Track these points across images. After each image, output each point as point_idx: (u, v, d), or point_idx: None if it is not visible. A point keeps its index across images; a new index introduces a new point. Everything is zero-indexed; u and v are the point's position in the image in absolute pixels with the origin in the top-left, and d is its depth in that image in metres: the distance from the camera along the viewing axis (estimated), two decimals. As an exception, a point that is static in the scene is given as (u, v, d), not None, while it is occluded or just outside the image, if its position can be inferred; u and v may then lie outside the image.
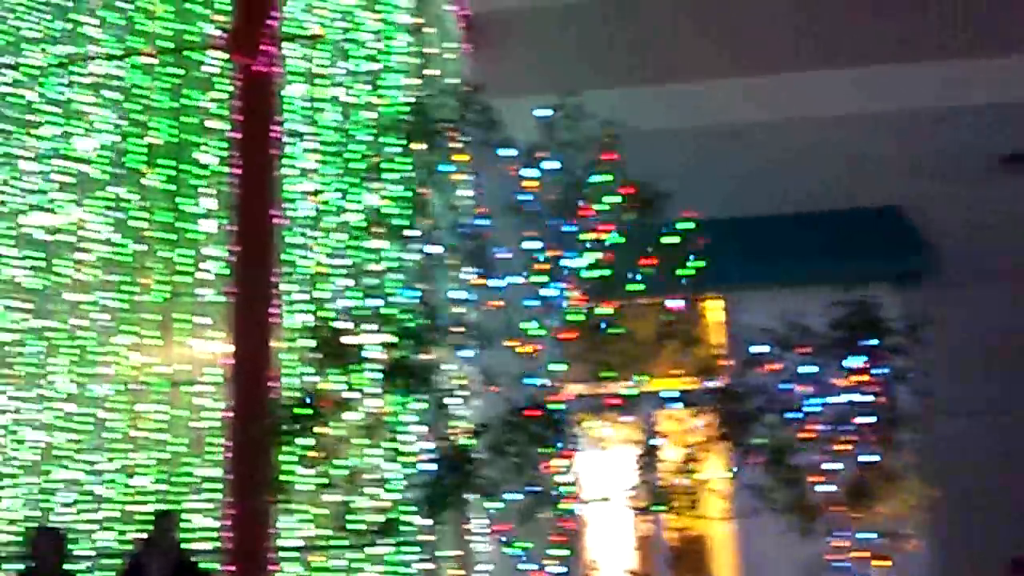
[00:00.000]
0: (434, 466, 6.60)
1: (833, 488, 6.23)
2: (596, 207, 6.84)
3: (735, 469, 6.58)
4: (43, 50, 9.59)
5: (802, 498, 6.20)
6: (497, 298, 6.95)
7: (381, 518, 7.03)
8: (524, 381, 6.70)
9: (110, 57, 9.48)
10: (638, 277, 6.71)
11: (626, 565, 9.85)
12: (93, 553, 8.42)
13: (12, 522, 8.61)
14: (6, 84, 9.56)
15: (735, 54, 11.17)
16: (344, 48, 9.16)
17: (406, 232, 7.31)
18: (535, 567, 6.47)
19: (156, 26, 9.48)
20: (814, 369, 6.38)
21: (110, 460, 8.68)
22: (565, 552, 6.47)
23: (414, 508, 6.75)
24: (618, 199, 6.76)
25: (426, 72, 9.15)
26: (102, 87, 9.44)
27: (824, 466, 6.28)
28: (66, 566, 6.98)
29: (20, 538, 8.28)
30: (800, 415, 6.36)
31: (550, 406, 6.57)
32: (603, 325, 6.74)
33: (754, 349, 6.48)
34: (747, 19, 11.35)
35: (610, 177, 6.85)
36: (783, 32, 11.32)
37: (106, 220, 9.18)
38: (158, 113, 9.32)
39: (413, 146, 7.65)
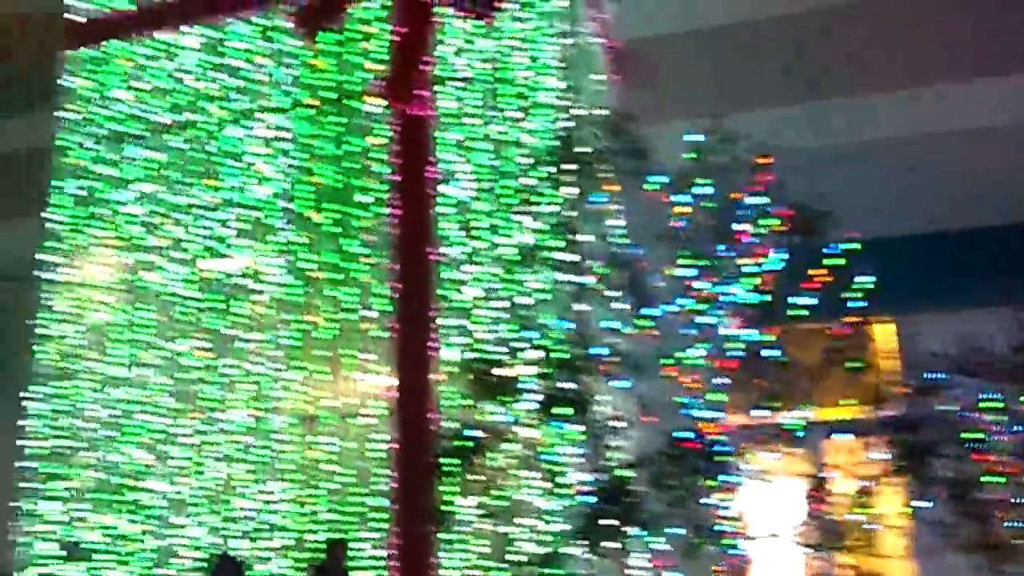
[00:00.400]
0: (592, 498, 6.56)
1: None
2: (753, 231, 6.68)
3: (914, 504, 6.19)
4: (219, 106, 10.34)
5: (989, 535, 5.76)
6: (651, 327, 6.88)
7: (541, 550, 7.03)
8: (683, 411, 6.58)
9: (278, 110, 10.12)
10: (801, 302, 6.48)
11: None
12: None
13: (197, 548, 9.17)
14: (188, 140, 10.36)
15: (889, 66, 10.70)
16: (494, 87, 9.39)
17: (558, 263, 7.38)
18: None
19: (319, 78, 10.05)
20: (997, 396, 5.95)
21: (284, 491, 9.12)
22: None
23: (574, 540, 6.72)
24: (776, 221, 6.57)
25: (574, 105, 9.24)
26: (272, 138, 10.08)
27: (1013, 500, 5.82)
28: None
29: (203, 565, 8.82)
30: (983, 446, 5.93)
31: (711, 437, 6.41)
32: (765, 352, 6.53)
33: (929, 375, 6.12)
34: (902, 30, 10.85)
35: (766, 199, 6.68)
36: (941, 41, 10.75)
37: (278, 262, 9.73)
38: (323, 160, 9.84)
39: (563, 178, 7.76)
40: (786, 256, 6.54)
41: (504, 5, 9.41)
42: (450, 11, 9.57)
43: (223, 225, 10.03)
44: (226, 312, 9.77)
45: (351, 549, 8.44)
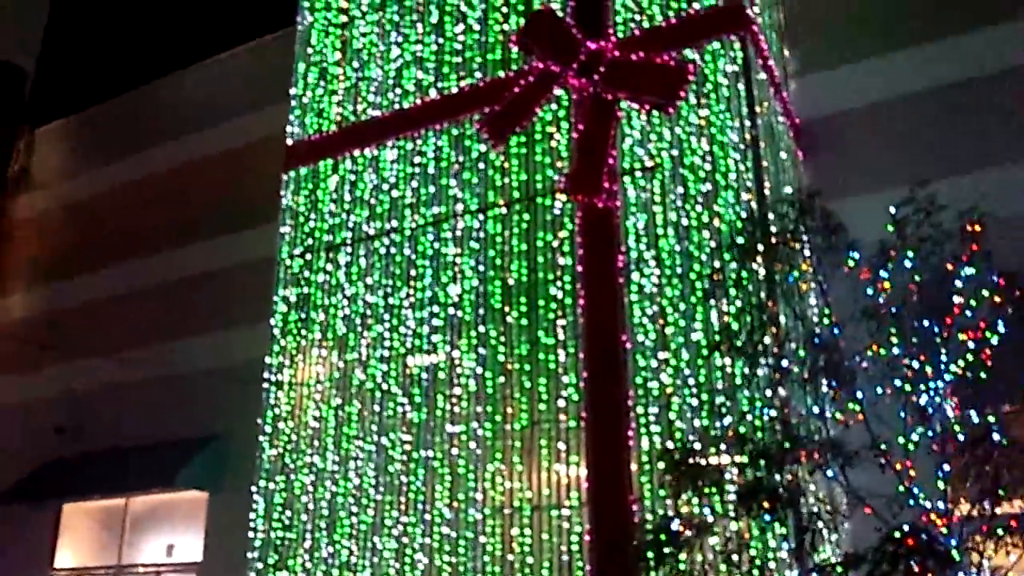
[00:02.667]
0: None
1: None
2: (967, 304, 6.21)
3: None
4: (417, 212, 11.02)
5: None
6: (860, 411, 6.49)
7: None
8: (900, 503, 6.09)
9: (471, 212, 10.63)
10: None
11: None
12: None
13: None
14: (389, 245, 11.07)
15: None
16: (679, 173, 9.43)
17: (754, 347, 7.16)
18: None
19: (508, 180, 10.50)
20: None
21: (485, 583, 9.17)
22: None
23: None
24: (991, 293, 6.09)
25: (762, 186, 9.09)
26: (466, 239, 10.57)
27: None
28: None
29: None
30: None
31: (933, 531, 5.87)
32: (991, 435, 5.96)
33: None
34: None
35: (977, 270, 6.22)
36: None
37: (474, 356, 10.06)
38: (514, 257, 10.19)
39: (754, 260, 7.59)
40: (1005, 329, 6.01)
41: (685, 94, 9.51)
42: (632, 105, 9.79)
43: (423, 323, 10.53)
44: (428, 406, 10.16)
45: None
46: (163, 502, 14.58)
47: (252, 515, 10.75)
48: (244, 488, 11.02)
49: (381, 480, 10.11)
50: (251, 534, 10.69)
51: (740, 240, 7.62)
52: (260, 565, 10.51)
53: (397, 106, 11.57)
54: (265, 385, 11.32)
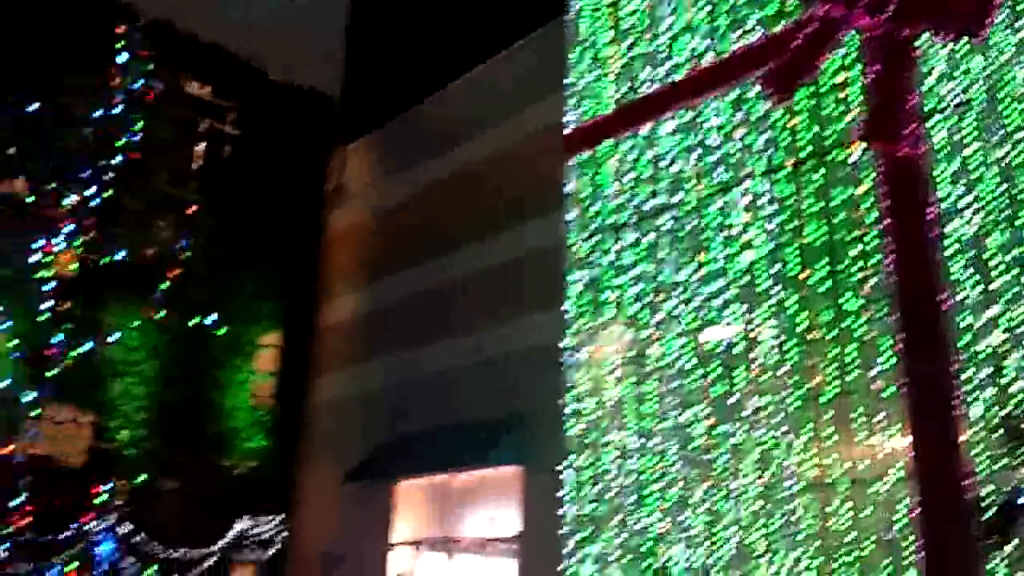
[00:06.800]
0: None
1: None
2: None
3: None
4: (702, 183, 10.78)
5: None
6: None
7: None
8: None
9: (758, 175, 10.21)
10: None
11: None
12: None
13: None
14: (675, 219, 10.94)
15: None
16: (995, 107, 8.39)
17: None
18: None
19: (796, 137, 9.95)
20: None
21: (802, 560, 8.79)
22: None
23: None
24: None
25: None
26: (755, 204, 10.18)
27: None
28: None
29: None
30: None
31: None
32: None
33: None
34: None
35: None
36: None
37: (772, 325, 9.67)
38: (809, 217, 9.64)
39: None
40: None
41: (995, 18, 8.43)
42: (932, 37, 8.85)
43: (716, 296, 10.30)
44: (728, 379, 9.93)
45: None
46: (484, 478, 15.58)
47: (563, 490, 11.16)
48: (554, 465, 11.49)
49: (685, 456, 10.05)
50: (563, 508, 11.10)
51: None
52: (575, 538, 10.89)
53: (673, 78, 11.40)
54: (564, 366, 11.70)
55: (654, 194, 11.30)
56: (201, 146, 20.29)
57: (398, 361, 17.74)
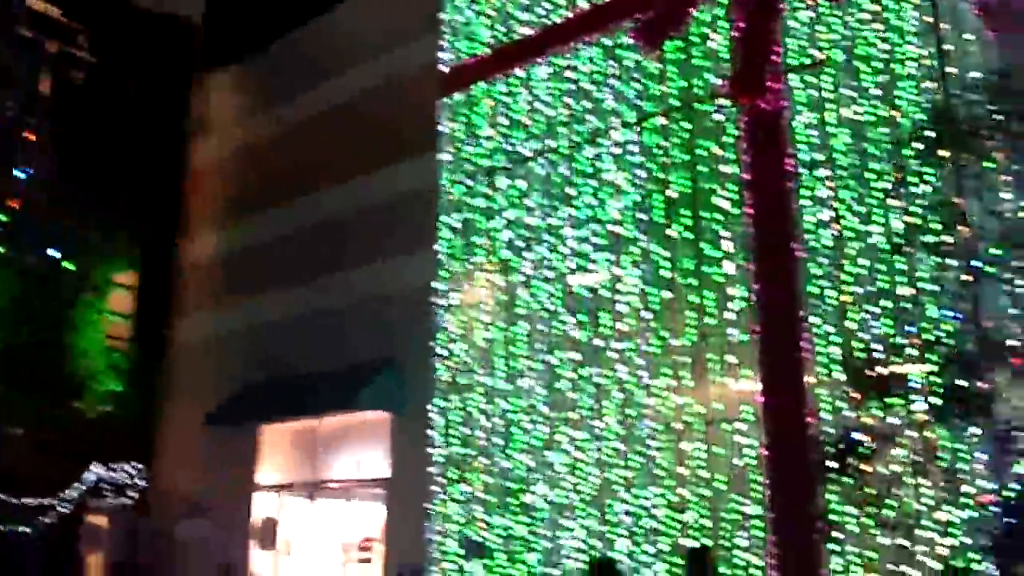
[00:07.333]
0: (1002, 510, 5.77)
1: None
2: None
3: None
4: (573, 130, 10.87)
5: None
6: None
7: (941, 566, 6.33)
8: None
9: (628, 124, 10.37)
10: None
11: None
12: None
13: (578, 551, 9.59)
14: (547, 165, 11.01)
15: None
16: (853, 67, 8.79)
17: (942, 247, 6.66)
18: None
19: (665, 87, 10.14)
20: None
21: (658, 496, 9.21)
22: None
23: (981, 557, 5.96)
24: None
25: (945, 73, 8.32)
26: (624, 153, 10.35)
27: None
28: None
29: (585, 567, 9.18)
30: None
31: None
32: None
33: None
34: None
35: None
36: None
37: (637, 273, 9.94)
38: (675, 168, 9.89)
39: (939, 154, 7.00)
40: None
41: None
42: (796, -4, 9.15)
43: (584, 241, 10.48)
44: (593, 324, 10.17)
45: (729, 555, 8.27)
46: (351, 423, 15.47)
47: (432, 433, 11.24)
48: (424, 408, 11.52)
49: (551, 397, 10.29)
50: (432, 450, 11.20)
51: (923, 133, 7.02)
52: (442, 479, 11.02)
53: (547, 21, 11.35)
54: (436, 309, 11.70)
55: (527, 138, 11.32)
56: (49, 71, 18.83)
57: (265, 302, 17.25)
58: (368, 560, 15.24)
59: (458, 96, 12.20)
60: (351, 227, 16.11)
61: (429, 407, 11.38)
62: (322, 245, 16.64)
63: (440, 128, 12.33)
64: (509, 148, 11.48)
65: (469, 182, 11.83)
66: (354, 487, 15.43)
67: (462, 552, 10.54)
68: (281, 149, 18.34)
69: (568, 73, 11.06)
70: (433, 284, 11.81)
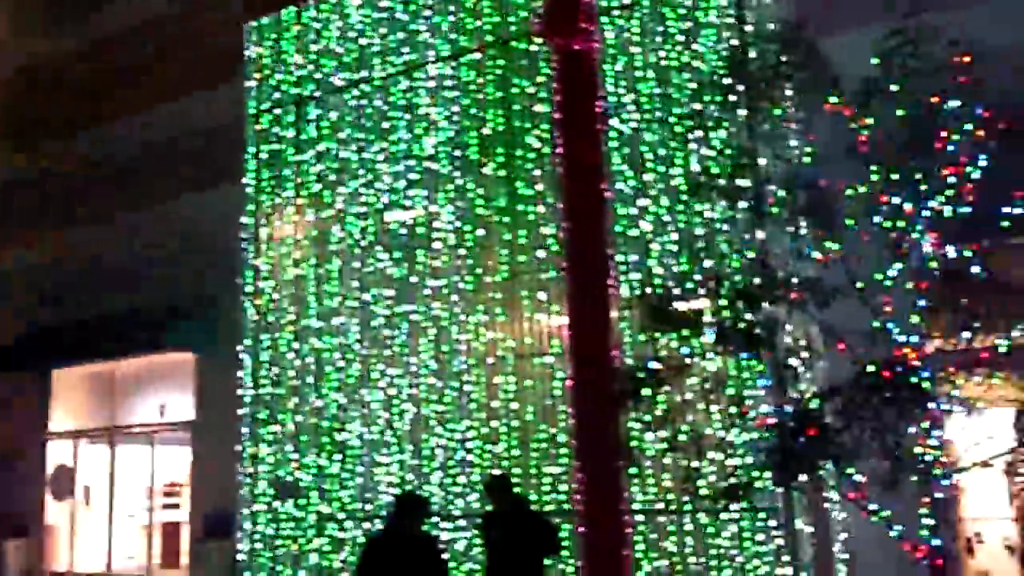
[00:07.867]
0: (780, 431, 6.30)
1: None
2: (950, 139, 6.08)
3: None
4: (387, 61, 10.61)
5: None
6: (839, 249, 6.46)
7: (727, 483, 6.86)
8: (876, 338, 6.16)
9: (443, 59, 10.24)
10: (1010, 213, 5.86)
11: (1007, 537, 8.75)
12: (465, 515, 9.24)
13: (391, 485, 9.67)
14: (360, 96, 10.71)
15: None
16: (659, 12, 9.05)
17: (735, 190, 7.06)
18: (903, 536, 5.94)
19: (481, 23, 10.06)
20: None
21: (471, 429, 9.41)
22: (932, 521, 5.86)
23: (763, 473, 6.51)
24: (976, 126, 5.95)
25: (743, 22, 8.73)
26: (439, 88, 10.23)
27: None
28: (427, 528, 7.51)
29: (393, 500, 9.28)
30: None
31: (908, 365, 5.96)
32: (968, 270, 5.98)
33: None
34: None
35: (965, 104, 6.04)
36: None
37: (452, 210, 9.94)
38: (490, 105, 9.89)
39: (735, 100, 7.36)
40: (989, 164, 5.91)
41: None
42: (607, -63, 9.26)
43: (399, 177, 10.34)
44: (408, 260, 10.11)
45: (540, 483, 8.61)
46: (152, 365, 14.74)
47: (240, 373, 10.88)
48: (233, 348, 11.11)
49: (365, 335, 10.20)
50: (241, 391, 10.86)
51: (721, 80, 7.36)
52: (251, 420, 10.73)
53: (361, -54, 10.93)
54: (243, 245, 11.23)
55: (339, 68, 10.94)
56: None
57: (58, 238, 15.93)
58: (176, 506, 14.75)
59: (265, 20, 11.59)
60: (153, 159, 15.13)
61: (237, 347, 10.99)
62: (121, 178, 15.53)
63: (247, 53, 11.68)
64: (320, 77, 11.06)
65: (277, 111, 11.32)
66: (159, 431, 14.81)
67: (273, 493, 10.37)
68: (73, 72, 16.81)
69: (382, 2, 10.73)
70: (240, 220, 11.31)
